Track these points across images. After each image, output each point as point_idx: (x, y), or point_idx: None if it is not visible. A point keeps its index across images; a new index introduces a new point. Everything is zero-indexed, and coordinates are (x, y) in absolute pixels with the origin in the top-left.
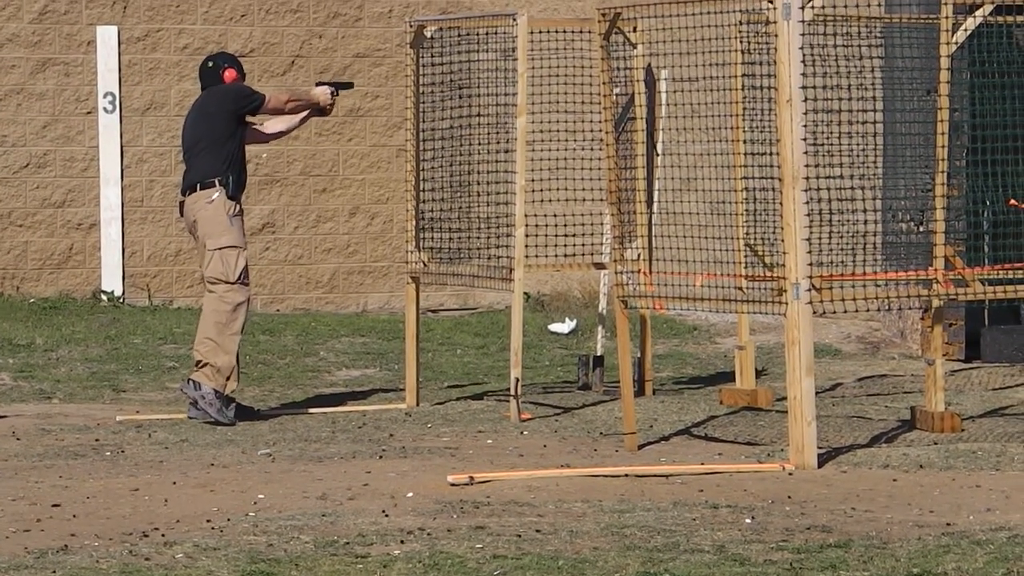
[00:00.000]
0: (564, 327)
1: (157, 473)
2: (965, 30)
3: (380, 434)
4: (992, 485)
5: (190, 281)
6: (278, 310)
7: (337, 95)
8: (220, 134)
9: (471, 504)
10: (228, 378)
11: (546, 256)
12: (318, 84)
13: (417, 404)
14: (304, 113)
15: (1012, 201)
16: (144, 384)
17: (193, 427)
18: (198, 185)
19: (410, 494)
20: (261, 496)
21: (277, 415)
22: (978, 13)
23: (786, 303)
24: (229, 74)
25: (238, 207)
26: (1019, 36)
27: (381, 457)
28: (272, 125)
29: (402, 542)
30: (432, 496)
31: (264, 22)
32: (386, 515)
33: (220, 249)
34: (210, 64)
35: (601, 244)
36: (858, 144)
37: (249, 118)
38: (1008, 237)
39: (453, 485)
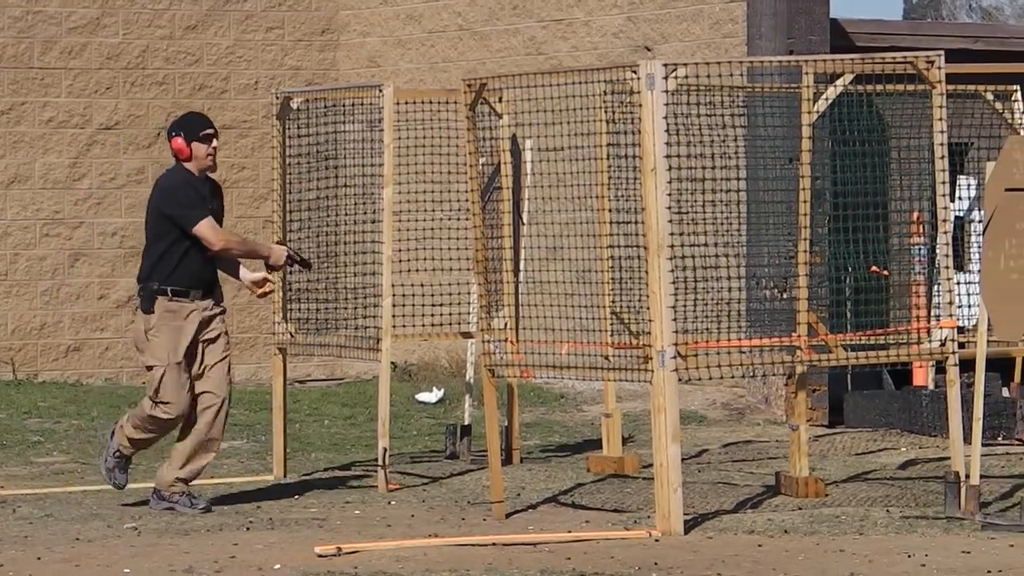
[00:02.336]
0: (432, 396)
1: (22, 548)
2: (826, 99)
3: (247, 506)
4: (855, 549)
5: (55, 355)
6: (143, 383)
7: (291, 265)
8: (150, 233)
9: (339, 575)
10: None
11: (413, 326)
12: (278, 243)
13: (284, 475)
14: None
15: (874, 268)
16: (8, 459)
17: (58, 502)
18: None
19: (277, 566)
20: (127, 570)
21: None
22: (838, 82)
23: (652, 370)
24: (174, 143)
25: (165, 317)
26: (879, 105)
27: (248, 529)
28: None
29: None
30: (300, 567)
31: (129, 94)
32: None
33: (147, 369)
34: (167, 133)
35: (468, 313)
36: (722, 212)
37: None
38: (870, 303)
39: (321, 556)
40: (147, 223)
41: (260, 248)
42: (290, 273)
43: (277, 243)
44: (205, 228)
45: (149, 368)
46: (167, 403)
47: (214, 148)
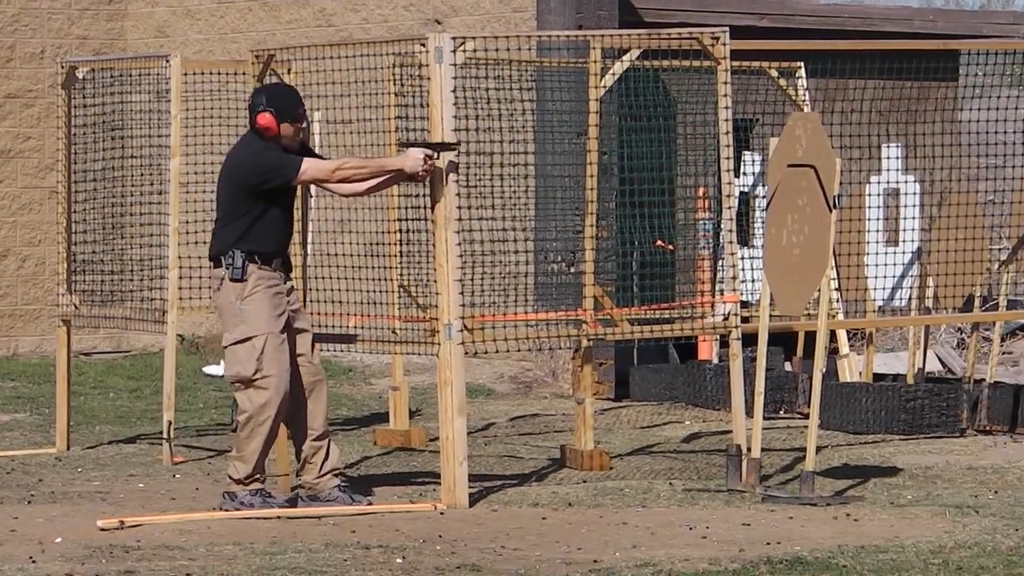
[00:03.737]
0: (219, 369)
1: None
2: (613, 74)
3: (29, 479)
4: (639, 522)
5: None
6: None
7: (437, 157)
8: (235, 209)
9: (121, 548)
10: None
11: (200, 298)
12: (410, 144)
13: (68, 448)
14: (384, 178)
15: (659, 242)
16: None
17: None
18: (211, 261)
19: (59, 539)
20: None
21: None
22: (626, 57)
23: (438, 344)
24: (263, 119)
25: (260, 283)
26: (666, 80)
27: (29, 502)
28: (345, 188)
29: None
30: (81, 541)
31: None
32: (33, 561)
33: (229, 346)
34: (253, 100)
35: None
36: (510, 186)
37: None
38: (655, 278)
39: (103, 530)
40: (221, 199)
41: (388, 161)
42: (434, 157)
43: (409, 145)
44: (309, 168)
45: (243, 341)
46: (268, 376)
47: (302, 128)
